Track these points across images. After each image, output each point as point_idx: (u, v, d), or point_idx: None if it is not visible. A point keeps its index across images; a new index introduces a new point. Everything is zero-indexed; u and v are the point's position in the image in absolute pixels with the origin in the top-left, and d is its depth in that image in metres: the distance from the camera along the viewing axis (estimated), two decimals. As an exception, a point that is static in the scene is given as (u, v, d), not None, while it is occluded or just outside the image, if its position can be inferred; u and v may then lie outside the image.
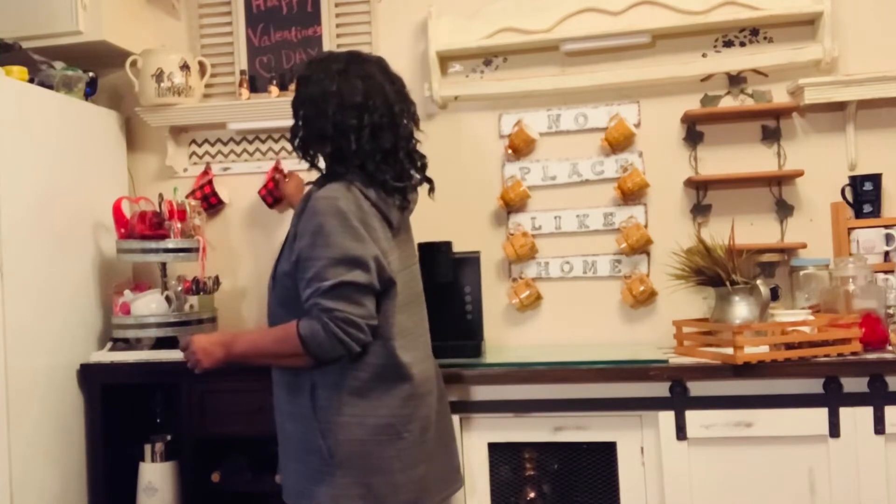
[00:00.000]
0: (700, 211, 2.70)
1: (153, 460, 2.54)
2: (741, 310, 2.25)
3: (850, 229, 2.54)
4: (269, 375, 1.95)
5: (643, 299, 2.67)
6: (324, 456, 1.80)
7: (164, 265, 2.71)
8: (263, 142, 2.95)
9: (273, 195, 2.79)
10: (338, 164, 1.87)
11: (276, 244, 2.84)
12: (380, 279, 1.80)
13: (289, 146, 2.89)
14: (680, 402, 2.19)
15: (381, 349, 1.83)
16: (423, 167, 1.97)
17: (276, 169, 2.86)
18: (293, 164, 2.86)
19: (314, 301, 1.75)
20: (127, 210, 2.71)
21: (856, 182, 2.56)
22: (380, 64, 1.93)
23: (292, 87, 2.76)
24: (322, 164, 1.94)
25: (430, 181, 1.99)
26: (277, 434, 1.95)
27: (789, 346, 2.18)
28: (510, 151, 2.79)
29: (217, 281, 2.74)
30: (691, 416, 2.18)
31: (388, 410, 1.83)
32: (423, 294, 2.03)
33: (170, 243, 2.62)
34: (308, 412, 1.83)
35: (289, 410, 1.88)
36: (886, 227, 2.49)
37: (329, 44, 2.86)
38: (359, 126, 1.83)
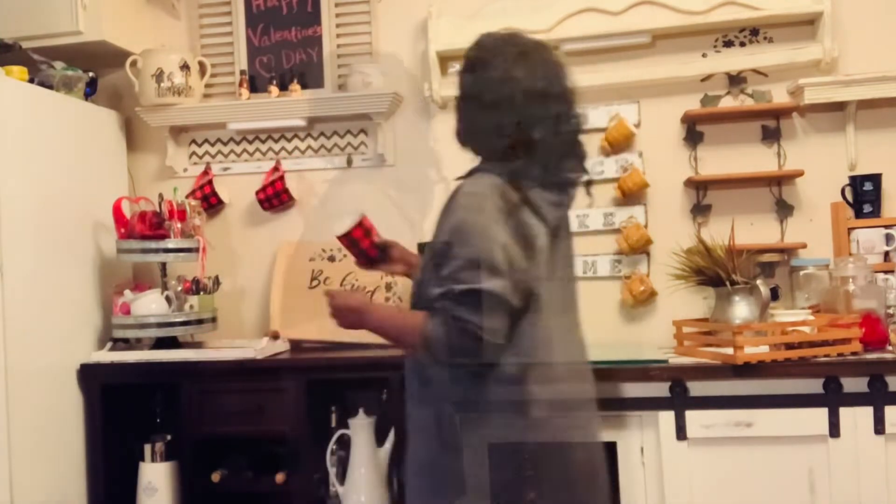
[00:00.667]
0: (700, 211, 2.70)
1: (153, 460, 2.54)
2: (741, 310, 2.24)
3: (850, 229, 2.54)
4: (271, 375, 1.92)
5: (643, 299, 2.67)
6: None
7: (164, 265, 2.71)
8: (263, 142, 2.95)
9: (280, 199, 2.81)
10: (498, 157, 1.69)
11: (276, 244, 2.87)
12: (520, 290, 1.61)
13: (289, 146, 2.89)
14: (680, 402, 2.19)
15: (515, 368, 1.66)
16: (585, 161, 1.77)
17: (277, 169, 2.86)
18: (293, 163, 2.87)
19: (445, 304, 1.59)
20: (127, 210, 2.71)
21: (856, 182, 2.56)
22: (552, 49, 1.74)
23: (292, 86, 2.80)
24: (478, 155, 1.76)
25: (589, 177, 1.79)
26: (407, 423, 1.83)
27: (789, 346, 2.17)
28: (510, 151, 2.78)
29: (217, 281, 2.74)
30: (691, 416, 2.18)
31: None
32: (577, 303, 1.81)
33: (170, 243, 2.62)
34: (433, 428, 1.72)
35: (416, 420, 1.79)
36: (886, 227, 2.49)
37: (329, 44, 2.86)
38: (542, 116, 1.66)
